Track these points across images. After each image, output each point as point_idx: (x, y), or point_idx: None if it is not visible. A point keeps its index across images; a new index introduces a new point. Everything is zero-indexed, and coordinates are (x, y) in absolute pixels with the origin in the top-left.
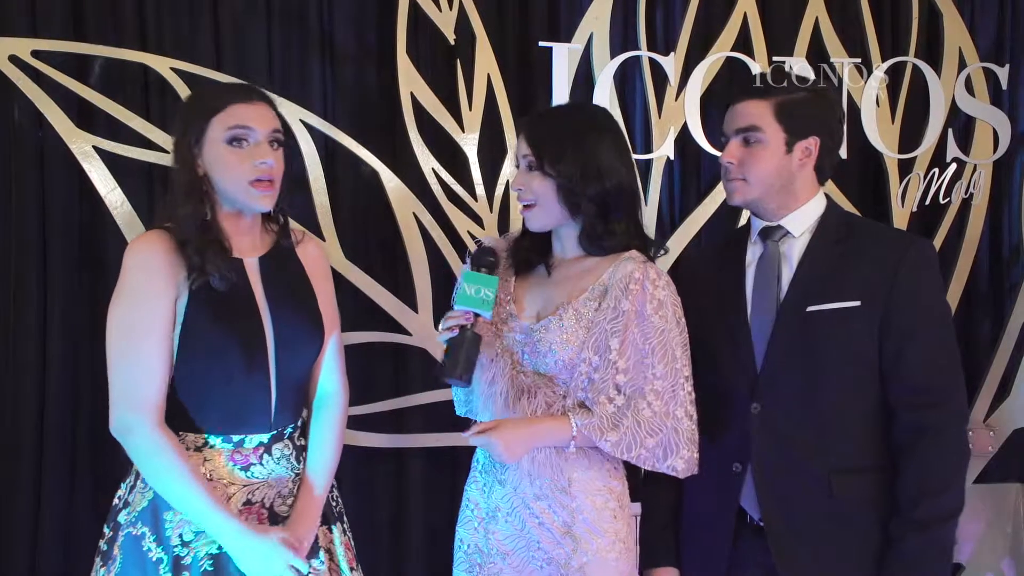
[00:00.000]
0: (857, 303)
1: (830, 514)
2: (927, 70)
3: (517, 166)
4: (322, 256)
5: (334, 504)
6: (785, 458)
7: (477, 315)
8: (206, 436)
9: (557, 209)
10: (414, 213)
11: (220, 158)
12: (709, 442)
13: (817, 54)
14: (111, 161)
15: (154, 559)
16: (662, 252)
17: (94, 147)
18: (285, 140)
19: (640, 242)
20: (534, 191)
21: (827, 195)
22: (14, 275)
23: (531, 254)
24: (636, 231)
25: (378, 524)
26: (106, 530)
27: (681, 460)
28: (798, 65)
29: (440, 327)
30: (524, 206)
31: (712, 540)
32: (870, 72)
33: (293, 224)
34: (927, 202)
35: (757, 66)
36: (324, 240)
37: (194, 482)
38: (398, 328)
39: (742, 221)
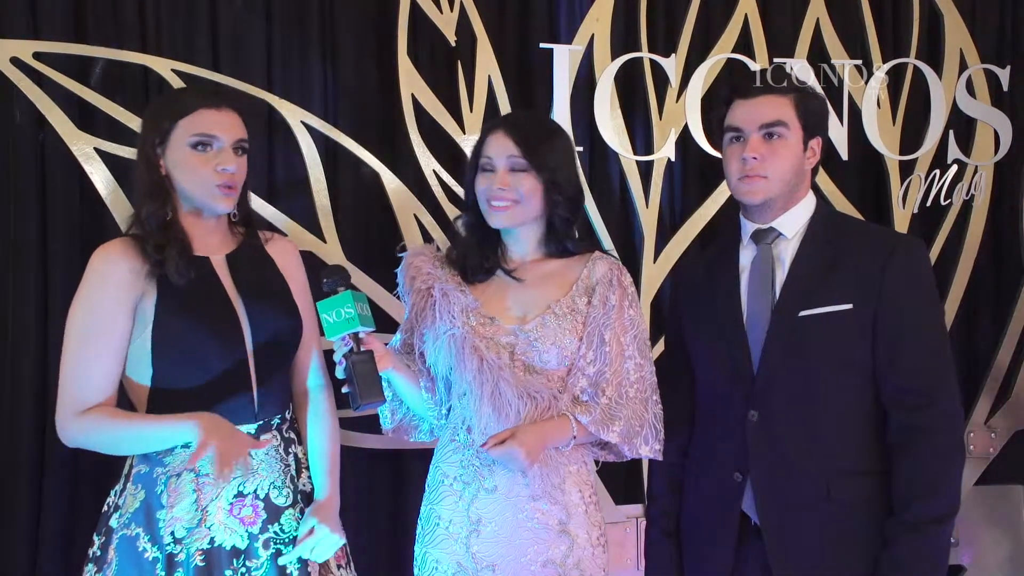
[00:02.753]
0: (848, 306)
1: (828, 517)
2: (928, 71)
3: (485, 167)
4: (293, 251)
5: None
6: (783, 464)
7: (356, 335)
8: None
9: (535, 209)
10: (415, 214)
11: (183, 160)
12: (708, 450)
13: (818, 55)
14: (112, 163)
15: (150, 558)
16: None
17: (95, 149)
18: (248, 148)
19: (595, 243)
20: (520, 191)
21: (815, 194)
22: (14, 276)
23: (485, 259)
24: (587, 232)
25: (378, 525)
26: (96, 538)
27: (659, 443)
28: (798, 66)
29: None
30: (498, 205)
31: (715, 547)
32: (871, 73)
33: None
34: (928, 204)
35: (758, 67)
36: (325, 241)
37: (129, 420)
38: (399, 329)
39: None
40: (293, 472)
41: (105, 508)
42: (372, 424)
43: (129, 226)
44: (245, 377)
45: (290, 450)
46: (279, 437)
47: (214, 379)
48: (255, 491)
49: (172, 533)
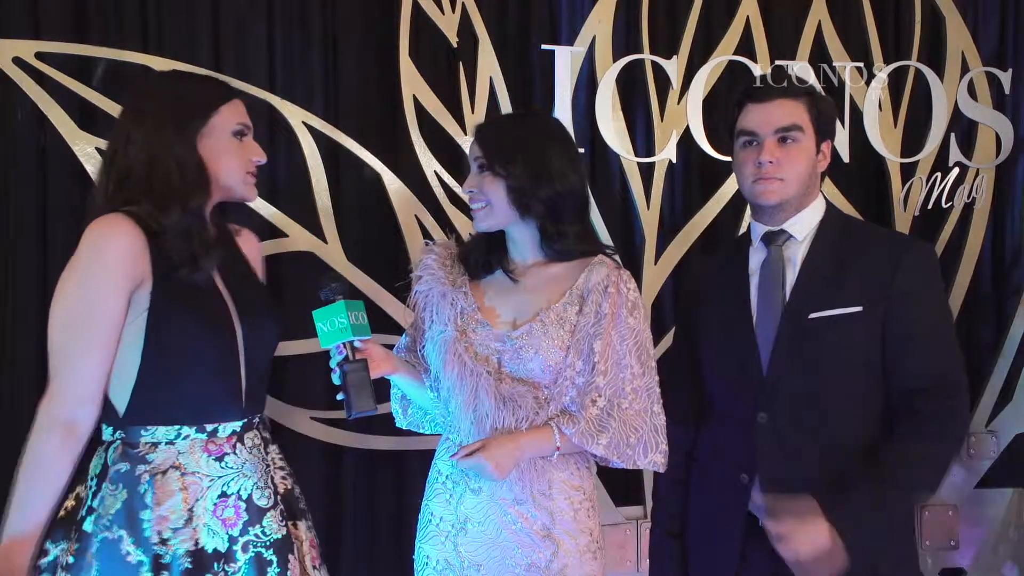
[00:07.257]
0: (858, 308)
1: None
2: (929, 74)
3: (470, 170)
4: (259, 247)
5: (299, 499)
6: (791, 466)
7: (350, 344)
8: (179, 428)
9: (507, 210)
10: (416, 215)
11: (223, 147)
12: (715, 450)
13: (819, 58)
14: None
15: (133, 562)
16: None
17: (96, 148)
18: None
19: (598, 247)
20: (485, 192)
21: (825, 198)
22: (15, 275)
23: (490, 257)
24: (589, 236)
25: (380, 525)
26: (62, 544)
27: (660, 455)
28: (798, 66)
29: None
30: (473, 207)
31: (720, 547)
32: (872, 75)
33: None
34: (929, 206)
35: (759, 69)
36: (326, 242)
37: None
38: (400, 330)
39: (743, 226)
40: (272, 472)
41: (64, 512)
42: (374, 425)
43: (118, 203)
44: (235, 371)
45: (268, 449)
46: (259, 436)
47: (208, 373)
48: (238, 491)
49: (159, 533)
